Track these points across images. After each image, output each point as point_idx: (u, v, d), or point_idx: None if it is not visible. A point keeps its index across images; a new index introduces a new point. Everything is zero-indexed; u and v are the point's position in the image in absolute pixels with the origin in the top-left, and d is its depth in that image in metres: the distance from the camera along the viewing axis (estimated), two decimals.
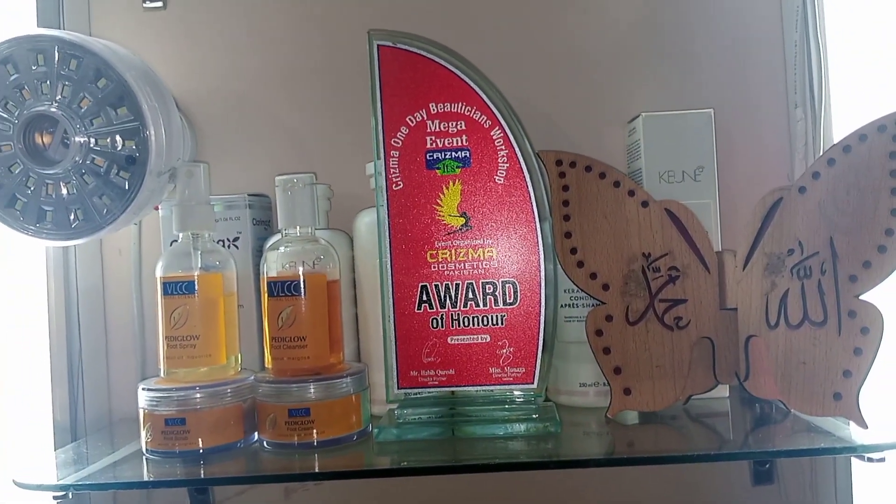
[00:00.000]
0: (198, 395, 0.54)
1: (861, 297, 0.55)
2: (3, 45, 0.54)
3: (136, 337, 0.70)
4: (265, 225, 0.67)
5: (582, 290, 0.59)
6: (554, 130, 0.70)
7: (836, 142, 0.65)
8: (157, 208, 0.62)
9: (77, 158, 0.54)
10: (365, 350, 0.63)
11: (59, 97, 0.54)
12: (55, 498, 0.52)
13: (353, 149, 0.67)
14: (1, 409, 0.65)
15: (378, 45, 0.58)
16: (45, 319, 0.67)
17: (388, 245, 0.57)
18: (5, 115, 0.54)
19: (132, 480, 0.54)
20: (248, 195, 0.65)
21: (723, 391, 0.63)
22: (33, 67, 0.54)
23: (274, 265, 0.57)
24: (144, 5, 0.71)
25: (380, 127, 0.58)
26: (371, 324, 0.62)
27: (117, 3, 0.71)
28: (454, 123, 0.58)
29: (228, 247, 0.63)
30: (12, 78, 0.54)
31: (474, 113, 0.58)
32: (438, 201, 0.58)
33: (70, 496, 0.52)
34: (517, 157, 0.58)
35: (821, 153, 0.68)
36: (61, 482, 0.52)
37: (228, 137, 0.71)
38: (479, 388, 0.57)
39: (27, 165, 0.54)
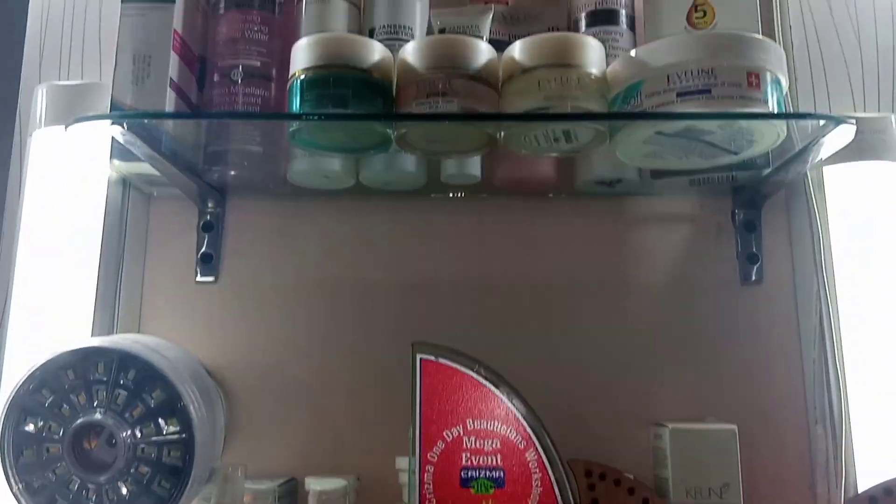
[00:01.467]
0: None
1: None
2: (65, 354, 0.56)
3: None
4: None
5: None
6: (582, 428, 0.70)
7: (858, 464, 0.67)
8: None
9: (122, 466, 0.55)
10: None
11: (112, 405, 0.56)
12: None
13: (384, 439, 0.68)
14: None
15: (421, 359, 0.61)
16: None
17: None
18: (58, 420, 0.56)
19: None
20: (278, 486, 0.65)
21: None
22: (91, 376, 0.56)
23: None
24: (197, 279, 0.74)
25: (417, 440, 0.59)
26: None
27: (170, 276, 0.74)
28: (490, 441, 0.60)
29: None
30: (70, 383, 0.56)
31: (510, 432, 0.60)
32: None
33: None
34: (550, 482, 0.59)
35: (842, 469, 0.69)
36: None
37: (262, 409, 0.72)
38: None
39: (72, 470, 0.55)
